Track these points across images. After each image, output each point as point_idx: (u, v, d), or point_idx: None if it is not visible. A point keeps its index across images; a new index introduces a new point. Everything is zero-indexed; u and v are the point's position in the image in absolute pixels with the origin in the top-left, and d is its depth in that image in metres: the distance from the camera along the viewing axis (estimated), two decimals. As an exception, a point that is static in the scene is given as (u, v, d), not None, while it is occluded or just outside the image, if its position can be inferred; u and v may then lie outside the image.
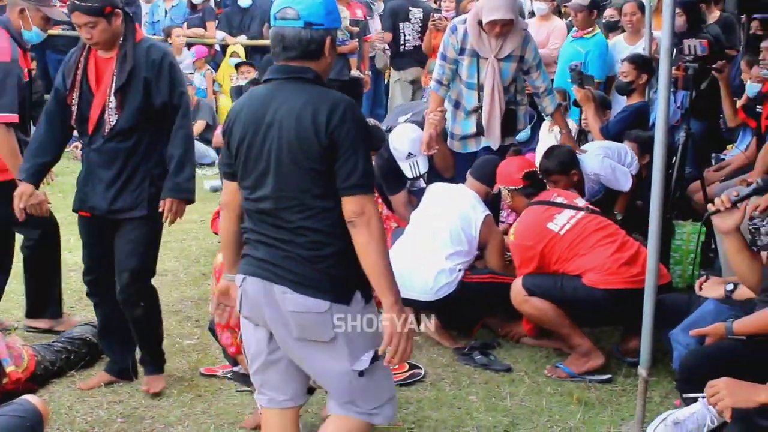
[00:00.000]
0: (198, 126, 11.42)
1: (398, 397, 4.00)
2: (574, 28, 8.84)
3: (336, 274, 3.39)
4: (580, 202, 5.76)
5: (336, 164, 3.32)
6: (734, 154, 7.52)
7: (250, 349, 3.67)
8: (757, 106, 6.86)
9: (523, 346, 5.88)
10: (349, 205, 3.32)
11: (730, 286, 4.61)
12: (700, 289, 4.75)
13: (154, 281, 6.78)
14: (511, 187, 5.90)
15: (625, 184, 6.71)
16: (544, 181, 6.12)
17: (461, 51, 6.49)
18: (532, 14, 10.06)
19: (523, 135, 8.12)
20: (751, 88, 7.17)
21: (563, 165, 6.33)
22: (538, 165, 6.34)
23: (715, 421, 3.51)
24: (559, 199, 5.72)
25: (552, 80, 6.77)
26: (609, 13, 9.48)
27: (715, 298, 4.63)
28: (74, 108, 4.85)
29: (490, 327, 6.09)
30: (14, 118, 5.40)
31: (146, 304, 5.01)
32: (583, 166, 6.50)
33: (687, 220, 6.83)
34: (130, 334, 5.10)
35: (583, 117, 7.63)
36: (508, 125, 6.62)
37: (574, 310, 5.43)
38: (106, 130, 4.81)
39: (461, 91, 6.61)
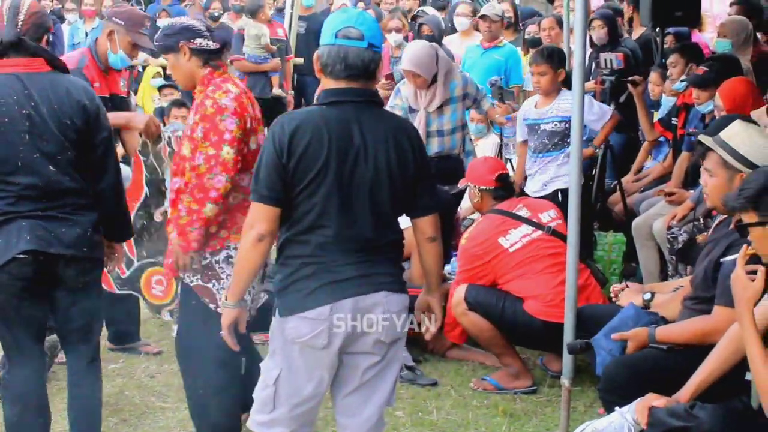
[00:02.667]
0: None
1: (322, 416, 4.00)
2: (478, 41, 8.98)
3: (401, 271, 3.70)
4: (546, 217, 5.63)
5: (419, 186, 3.58)
6: (652, 165, 7.65)
7: (301, 391, 3.58)
8: (672, 119, 6.99)
9: (449, 360, 5.91)
10: (430, 223, 3.66)
11: (648, 296, 4.67)
12: (616, 297, 4.81)
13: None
14: (481, 187, 5.78)
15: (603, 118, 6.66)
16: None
17: (410, 110, 6.56)
18: (454, 30, 10.14)
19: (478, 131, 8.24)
20: (666, 102, 7.31)
21: (551, 58, 6.40)
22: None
23: (633, 429, 3.56)
24: (522, 212, 5.61)
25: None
26: (532, 29, 9.62)
27: None
28: None
29: (415, 341, 6.10)
30: None
31: None
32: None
33: (608, 231, 6.93)
34: None
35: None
36: (449, 174, 6.38)
37: (511, 332, 5.46)
38: None
39: None
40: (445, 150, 6.56)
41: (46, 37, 4.46)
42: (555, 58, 6.46)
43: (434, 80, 6.47)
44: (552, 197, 6.29)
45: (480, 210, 5.91)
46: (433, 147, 6.48)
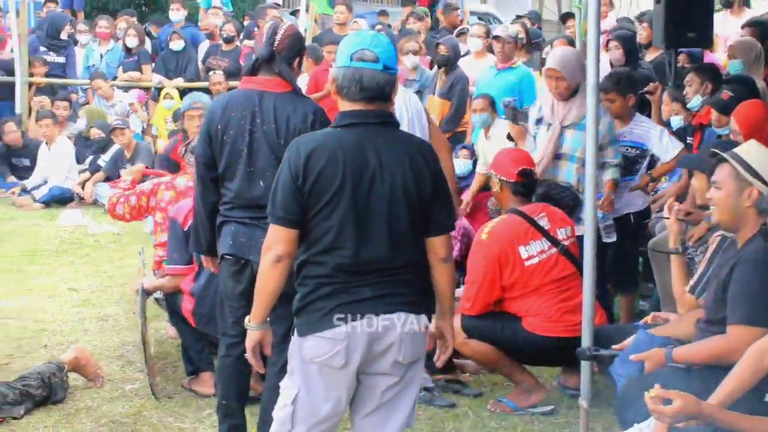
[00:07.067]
0: (137, 169, 11.35)
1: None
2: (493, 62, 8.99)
3: (426, 291, 3.69)
4: (562, 234, 5.54)
5: (435, 205, 3.59)
6: (667, 186, 7.64)
7: (318, 411, 3.59)
8: (688, 138, 7.00)
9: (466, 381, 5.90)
10: (443, 243, 3.66)
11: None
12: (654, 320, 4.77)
13: (92, 327, 6.81)
14: (502, 178, 5.64)
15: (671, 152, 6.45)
16: None
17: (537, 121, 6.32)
18: (467, 53, 10.22)
19: (464, 168, 8.23)
20: (674, 122, 7.32)
21: (619, 84, 6.29)
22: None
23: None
24: (543, 221, 5.50)
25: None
26: (548, 50, 9.63)
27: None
28: None
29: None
30: None
31: None
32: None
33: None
34: None
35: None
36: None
37: (514, 352, 5.45)
38: None
39: None
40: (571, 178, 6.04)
41: (297, 59, 4.56)
42: (623, 83, 6.38)
43: (575, 92, 6.04)
44: (624, 221, 6.34)
45: (499, 200, 5.82)
46: (561, 172, 6.08)
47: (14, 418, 5.18)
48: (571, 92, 6.03)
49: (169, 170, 7.04)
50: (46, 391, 5.38)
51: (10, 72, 13.06)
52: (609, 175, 6.09)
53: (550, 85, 6.11)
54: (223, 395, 4.65)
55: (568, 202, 5.90)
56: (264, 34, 4.47)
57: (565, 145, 6.06)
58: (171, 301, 5.71)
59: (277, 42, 4.41)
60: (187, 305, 5.53)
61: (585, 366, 4.72)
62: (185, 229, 5.45)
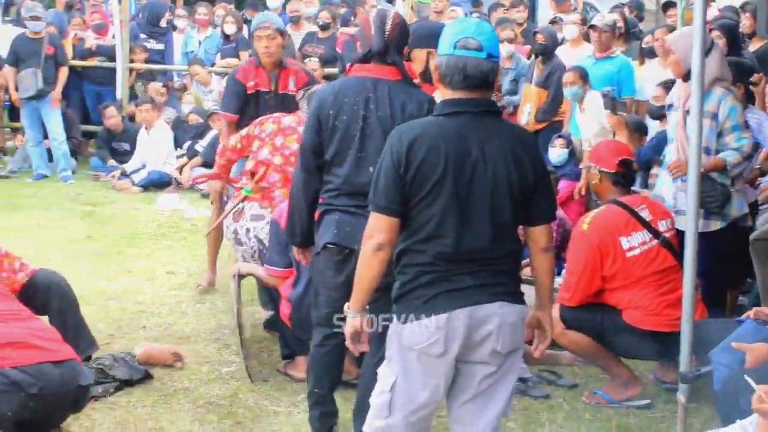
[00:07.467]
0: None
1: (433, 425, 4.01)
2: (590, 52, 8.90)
3: (518, 282, 3.69)
4: (662, 226, 5.44)
5: (536, 194, 3.58)
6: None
7: (416, 398, 3.61)
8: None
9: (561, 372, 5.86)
10: (545, 232, 3.66)
11: None
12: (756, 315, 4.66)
13: (190, 310, 6.92)
14: (602, 169, 5.58)
15: None
16: None
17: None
18: (562, 41, 10.13)
19: (561, 158, 8.17)
20: None
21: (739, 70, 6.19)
22: None
23: (753, 444, 3.50)
24: (644, 213, 5.43)
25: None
26: (648, 39, 9.50)
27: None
28: None
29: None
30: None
31: None
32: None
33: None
34: None
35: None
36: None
37: (613, 345, 5.39)
38: None
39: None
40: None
41: (405, 47, 4.61)
42: (733, 72, 6.16)
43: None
44: None
45: (598, 193, 5.76)
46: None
47: (96, 398, 5.26)
48: (684, 73, 5.78)
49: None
50: (121, 372, 5.51)
51: (112, 58, 13.31)
52: (724, 156, 5.78)
53: (669, 61, 6.10)
54: (316, 384, 4.68)
55: (718, 197, 5.79)
56: (372, 24, 4.44)
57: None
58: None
59: (387, 32, 4.41)
60: (285, 310, 5.57)
61: (684, 358, 4.64)
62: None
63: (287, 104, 6.69)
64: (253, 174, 6.11)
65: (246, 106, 6.93)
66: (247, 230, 6.10)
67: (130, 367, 5.58)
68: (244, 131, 6.33)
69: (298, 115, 6.11)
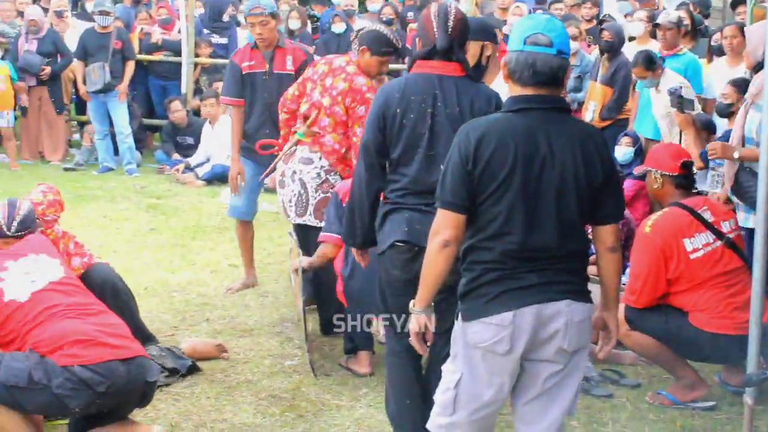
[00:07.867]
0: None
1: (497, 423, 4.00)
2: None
3: (585, 281, 3.64)
4: (726, 226, 5.38)
5: (604, 194, 3.55)
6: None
7: (481, 396, 3.59)
8: None
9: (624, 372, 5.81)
10: (611, 232, 3.62)
11: None
12: None
13: (253, 303, 6.97)
14: (664, 173, 5.51)
15: None
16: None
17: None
18: (631, 39, 10.04)
19: (627, 156, 8.10)
20: None
21: None
22: None
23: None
24: (706, 215, 5.37)
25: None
26: (717, 37, 9.37)
27: None
28: None
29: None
30: None
31: None
32: None
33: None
34: None
35: (683, 142, 7.54)
36: None
37: (678, 347, 5.33)
38: None
39: None
40: None
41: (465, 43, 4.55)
42: None
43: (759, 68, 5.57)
44: None
45: (659, 198, 5.70)
46: None
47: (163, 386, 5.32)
48: (755, 65, 5.73)
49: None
50: (170, 362, 5.57)
51: (177, 53, 13.45)
52: None
53: (743, 54, 6.00)
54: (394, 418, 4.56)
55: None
56: (434, 19, 4.36)
57: (745, 125, 5.79)
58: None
59: (450, 28, 4.36)
60: (339, 287, 5.60)
61: (751, 359, 4.57)
62: (343, 206, 5.50)
63: (284, 84, 6.68)
64: (305, 118, 6.16)
65: (243, 88, 6.97)
66: (294, 172, 6.17)
67: (178, 358, 5.65)
68: (300, 79, 6.37)
69: (349, 56, 6.13)
